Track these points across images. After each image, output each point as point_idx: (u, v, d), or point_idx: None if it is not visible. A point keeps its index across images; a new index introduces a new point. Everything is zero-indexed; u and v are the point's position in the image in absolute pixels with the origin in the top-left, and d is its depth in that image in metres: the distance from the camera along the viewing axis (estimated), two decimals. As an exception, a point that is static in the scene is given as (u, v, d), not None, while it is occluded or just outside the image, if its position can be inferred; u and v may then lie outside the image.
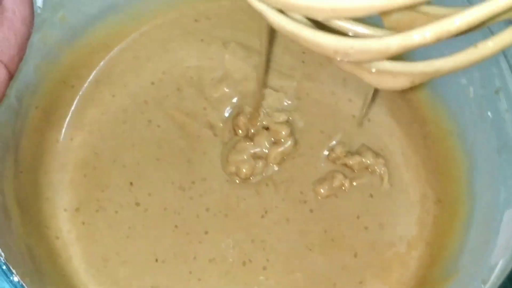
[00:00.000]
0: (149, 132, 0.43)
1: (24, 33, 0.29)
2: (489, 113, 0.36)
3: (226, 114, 0.43)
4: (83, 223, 0.40)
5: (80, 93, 0.44)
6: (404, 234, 0.41)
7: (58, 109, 0.43)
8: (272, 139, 0.42)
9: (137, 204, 0.41)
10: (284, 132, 0.42)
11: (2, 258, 0.28)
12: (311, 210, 0.41)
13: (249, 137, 0.42)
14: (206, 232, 0.40)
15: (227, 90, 0.44)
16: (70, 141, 0.42)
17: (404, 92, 0.43)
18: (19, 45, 0.29)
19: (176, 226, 0.41)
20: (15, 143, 0.38)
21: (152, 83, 0.44)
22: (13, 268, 0.29)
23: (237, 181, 0.42)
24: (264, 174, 0.42)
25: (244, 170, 0.41)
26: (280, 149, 0.42)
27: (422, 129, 0.43)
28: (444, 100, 0.41)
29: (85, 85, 0.44)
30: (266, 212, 0.41)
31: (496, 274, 0.29)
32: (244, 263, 0.40)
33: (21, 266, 0.32)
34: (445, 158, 0.41)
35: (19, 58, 0.29)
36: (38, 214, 0.40)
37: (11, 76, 0.29)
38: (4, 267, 0.28)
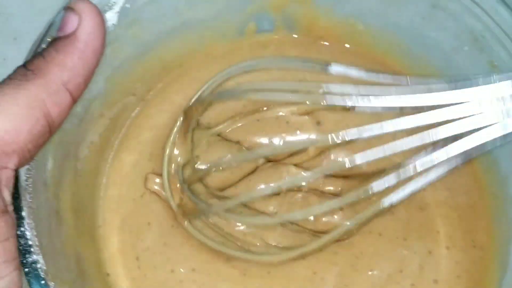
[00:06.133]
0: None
1: (93, 63, 0.31)
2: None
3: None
4: (132, 229, 0.42)
5: (147, 104, 0.46)
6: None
7: (123, 116, 0.45)
8: None
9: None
10: None
11: (41, 269, 0.30)
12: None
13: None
14: None
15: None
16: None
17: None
18: (86, 75, 0.31)
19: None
20: (76, 149, 0.40)
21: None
22: (54, 275, 0.31)
23: None
24: None
25: None
26: None
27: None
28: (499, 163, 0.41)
29: (154, 98, 0.46)
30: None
31: None
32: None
33: (63, 272, 0.34)
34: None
35: (84, 85, 0.31)
36: (92, 216, 0.42)
37: (74, 102, 0.31)
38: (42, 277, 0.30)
